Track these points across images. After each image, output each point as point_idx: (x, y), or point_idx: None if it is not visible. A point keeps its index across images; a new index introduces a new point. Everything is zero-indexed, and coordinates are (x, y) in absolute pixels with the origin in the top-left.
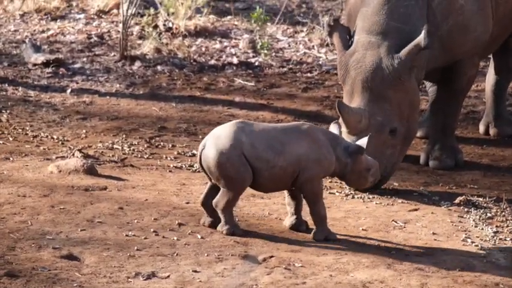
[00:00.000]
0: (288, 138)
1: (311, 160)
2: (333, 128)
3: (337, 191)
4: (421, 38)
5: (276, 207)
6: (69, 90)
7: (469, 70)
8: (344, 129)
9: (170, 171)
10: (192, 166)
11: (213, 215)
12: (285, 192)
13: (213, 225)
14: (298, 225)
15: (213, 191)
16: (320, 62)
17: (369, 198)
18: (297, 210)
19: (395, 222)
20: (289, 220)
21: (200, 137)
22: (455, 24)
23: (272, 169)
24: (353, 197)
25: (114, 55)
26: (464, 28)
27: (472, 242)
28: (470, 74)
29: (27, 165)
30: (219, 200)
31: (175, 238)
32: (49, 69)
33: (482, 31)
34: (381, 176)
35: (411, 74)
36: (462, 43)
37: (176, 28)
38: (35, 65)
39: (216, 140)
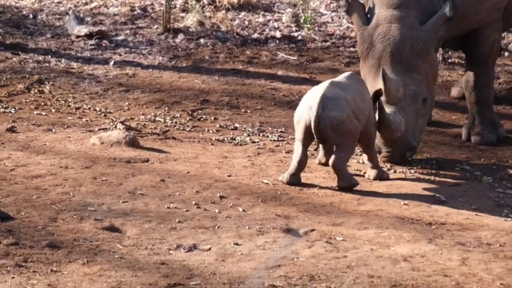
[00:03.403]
0: (359, 88)
1: (371, 106)
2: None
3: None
4: (446, 10)
5: (318, 181)
6: (112, 63)
7: (491, 34)
8: (384, 98)
9: (212, 144)
10: (234, 139)
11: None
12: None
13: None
14: (381, 175)
15: (304, 157)
16: None
17: (410, 172)
18: (372, 159)
19: (437, 197)
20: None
21: (242, 110)
22: None
23: (365, 119)
24: (395, 171)
25: (157, 28)
26: None
27: None
28: (493, 38)
29: (69, 137)
30: (337, 159)
31: (216, 211)
32: (92, 41)
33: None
34: (412, 147)
35: (434, 45)
36: (477, 11)
37: (219, 1)
38: (78, 36)
39: (332, 101)
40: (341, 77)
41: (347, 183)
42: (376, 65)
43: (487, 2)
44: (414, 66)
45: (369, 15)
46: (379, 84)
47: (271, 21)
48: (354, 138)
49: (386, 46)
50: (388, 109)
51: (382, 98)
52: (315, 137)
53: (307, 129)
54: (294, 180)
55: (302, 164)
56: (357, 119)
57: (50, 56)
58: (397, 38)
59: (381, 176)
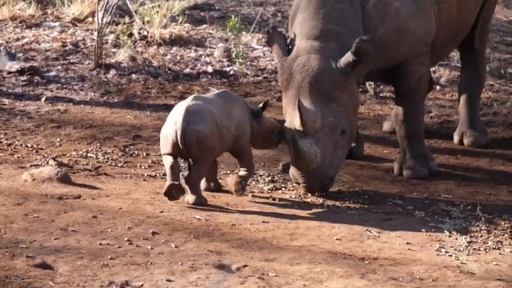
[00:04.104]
0: (229, 105)
1: (244, 123)
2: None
3: (311, 200)
4: (349, 53)
5: (250, 216)
6: (43, 98)
7: (417, 68)
8: (299, 128)
9: (144, 179)
10: (166, 175)
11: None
12: None
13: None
14: (217, 187)
15: (177, 166)
16: None
17: (343, 208)
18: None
19: (370, 231)
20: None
21: None
22: (392, 26)
23: (229, 135)
24: (328, 207)
25: (89, 63)
26: (402, 31)
27: (446, 252)
28: (420, 73)
29: (0, 174)
30: (193, 174)
31: (149, 247)
32: (24, 77)
33: (424, 33)
34: (330, 177)
35: (353, 77)
36: (400, 46)
37: (151, 36)
38: (9, 72)
39: (197, 116)
40: (210, 93)
41: (198, 200)
42: (295, 96)
43: (411, 36)
44: (333, 97)
45: (289, 46)
46: (296, 114)
47: (203, 56)
48: (213, 155)
49: (305, 77)
50: (304, 140)
51: (298, 129)
52: (181, 152)
53: (175, 144)
54: (174, 188)
55: (175, 169)
56: (221, 134)
57: None
58: (315, 69)
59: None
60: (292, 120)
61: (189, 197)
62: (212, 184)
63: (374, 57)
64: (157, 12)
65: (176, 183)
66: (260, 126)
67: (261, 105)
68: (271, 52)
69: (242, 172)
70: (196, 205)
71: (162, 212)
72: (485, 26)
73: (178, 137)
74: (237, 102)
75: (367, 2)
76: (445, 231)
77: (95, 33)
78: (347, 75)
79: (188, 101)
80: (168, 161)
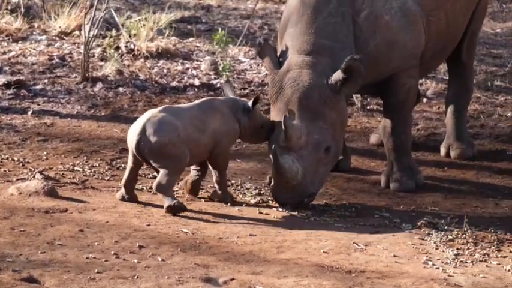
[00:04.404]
0: (204, 116)
1: (223, 133)
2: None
3: (298, 213)
4: (339, 71)
5: (237, 229)
6: (30, 112)
7: (406, 81)
8: (283, 143)
9: None
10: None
11: (130, 194)
12: None
13: (131, 199)
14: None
15: (134, 173)
16: None
17: (330, 220)
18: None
19: (357, 244)
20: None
21: None
22: (382, 39)
23: (199, 147)
24: (315, 220)
25: (76, 77)
26: (392, 44)
27: (433, 265)
28: (409, 85)
29: None
30: (161, 181)
31: (135, 261)
32: (10, 91)
33: (414, 46)
34: (311, 193)
35: (343, 95)
36: (391, 59)
37: (138, 50)
38: None
39: (155, 126)
40: (190, 104)
41: (171, 206)
42: (283, 110)
43: (401, 49)
44: (321, 114)
45: (281, 59)
46: (281, 128)
47: (190, 69)
48: (179, 163)
49: (295, 91)
50: (286, 156)
51: (282, 144)
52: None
53: (133, 152)
54: (171, 210)
55: (130, 174)
56: (187, 146)
57: None
58: (306, 84)
59: (224, 200)
60: (278, 134)
61: (164, 205)
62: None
63: (364, 73)
64: (144, 25)
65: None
66: (251, 121)
67: (251, 101)
68: (258, 65)
69: (215, 178)
70: (171, 212)
71: (148, 225)
72: (473, 38)
73: (134, 146)
74: (218, 110)
75: (358, 16)
76: (432, 243)
77: (82, 47)
78: (337, 93)
79: (152, 111)
80: (128, 165)
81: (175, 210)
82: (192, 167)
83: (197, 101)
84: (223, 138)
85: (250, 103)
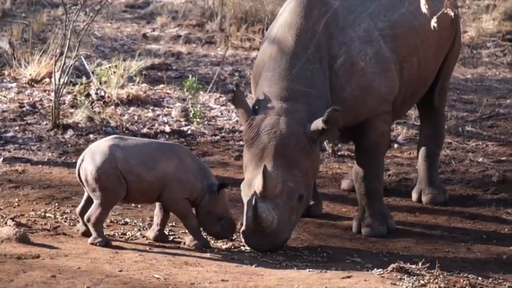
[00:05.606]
0: (159, 156)
1: (175, 179)
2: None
3: (270, 259)
4: (319, 121)
5: (209, 275)
6: (1, 159)
7: (379, 125)
8: (259, 191)
9: None
10: (125, 234)
11: (87, 225)
12: (157, 203)
13: (86, 234)
14: (161, 237)
15: (89, 201)
16: None
17: (302, 265)
18: (163, 223)
19: None
20: (152, 232)
21: (133, 205)
22: (357, 85)
23: (141, 183)
24: (286, 265)
25: (47, 124)
26: (367, 89)
27: None
28: (382, 130)
29: None
30: (92, 213)
31: None
32: None
33: (387, 92)
34: (281, 240)
35: (318, 143)
36: (365, 103)
37: (108, 97)
38: None
39: (93, 155)
40: (152, 141)
41: (96, 241)
42: (258, 155)
43: (375, 94)
44: (296, 162)
45: (256, 106)
46: (259, 177)
47: (161, 116)
48: (111, 196)
49: (272, 139)
50: (262, 205)
51: (258, 192)
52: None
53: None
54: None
55: (85, 204)
56: (124, 179)
57: None
58: (283, 132)
59: (198, 247)
60: (252, 179)
61: (91, 239)
62: (158, 233)
63: (341, 122)
64: (114, 72)
65: (95, 243)
66: (210, 204)
67: (217, 184)
68: (228, 111)
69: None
70: (96, 245)
71: (120, 271)
72: (445, 83)
73: (76, 173)
74: (179, 157)
75: (335, 61)
76: None
77: (52, 94)
78: (313, 142)
79: (101, 140)
80: (85, 194)
81: (100, 245)
82: (155, 214)
83: (164, 141)
84: (174, 184)
85: (217, 183)
